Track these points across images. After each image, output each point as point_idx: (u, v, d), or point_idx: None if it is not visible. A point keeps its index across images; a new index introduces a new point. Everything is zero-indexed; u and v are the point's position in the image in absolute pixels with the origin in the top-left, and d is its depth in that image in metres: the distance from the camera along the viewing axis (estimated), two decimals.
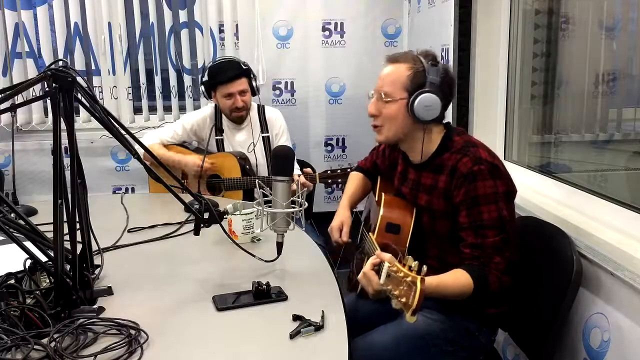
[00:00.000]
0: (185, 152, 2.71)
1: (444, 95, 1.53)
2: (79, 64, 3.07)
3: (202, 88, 2.71)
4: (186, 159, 2.63)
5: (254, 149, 2.75)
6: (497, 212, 1.46)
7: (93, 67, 3.12)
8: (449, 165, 1.54)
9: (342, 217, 1.86)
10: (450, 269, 1.46)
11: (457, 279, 1.43)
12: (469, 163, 1.49)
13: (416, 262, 1.19)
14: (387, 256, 1.29)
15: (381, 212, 1.66)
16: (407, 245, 1.62)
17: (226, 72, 2.64)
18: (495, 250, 1.45)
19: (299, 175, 2.48)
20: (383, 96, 1.57)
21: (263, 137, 2.78)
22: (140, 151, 1.41)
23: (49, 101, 1.24)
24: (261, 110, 2.82)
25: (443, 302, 1.56)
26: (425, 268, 1.17)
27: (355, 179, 2.01)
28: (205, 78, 2.67)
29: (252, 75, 2.70)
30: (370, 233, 1.72)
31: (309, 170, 2.57)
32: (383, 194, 1.75)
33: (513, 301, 1.64)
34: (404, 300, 1.15)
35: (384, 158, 1.89)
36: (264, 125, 2.79)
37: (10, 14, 2.95)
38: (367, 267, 1.34)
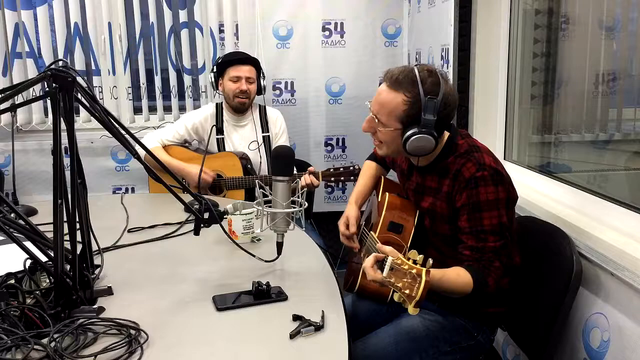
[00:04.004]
0: (185, 156, 2.72)
1: (439, 128, 1.49)
2: (79, 64, 3.07)
3: (211, 76, 2.79)
4: (188, 169, 2.61)
5: (258, 148, 2.76)
6: (497, 218, 1.47)
7: (93, 67, 3.11)
8: (453, 170, 1.54)
9: (347, 212, 1.84)
10: None
11: (459, 275, 1.43)
12: (473, 168, 1.49)
13: (421, 255, 1.21)
14: (389, 249, 1.29)
15: (384, 212, 1.66)
16: (409, 245, 1.62)
17: (239, 55, 2.80)
18: (494, 254, 1.46)
19: (308, 174, 2.48)
20: (377, 121, 1.55)
21: (263, 136, 2.80)
22: (141, 151, 1.41)
23: (49, 101, 1.24)
24: (262, 111, 2.85)
25: (441, 302, 1.57)
26: (430, 261, 1.19)
27: (367, 171, 1.97)
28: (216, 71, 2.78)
29: (261, 72, 2.80)
30: (371, 231, 1.71)
31: (312, 168, 2.57)
32: (387, 193, 1.74)
33: (513, 301, 1.64)
34: (407, 292, 1.17)
35: None
36: (264, 125, 2.82)
37: (10, 14, 2.94)
38: (370, 261, 1.29)
